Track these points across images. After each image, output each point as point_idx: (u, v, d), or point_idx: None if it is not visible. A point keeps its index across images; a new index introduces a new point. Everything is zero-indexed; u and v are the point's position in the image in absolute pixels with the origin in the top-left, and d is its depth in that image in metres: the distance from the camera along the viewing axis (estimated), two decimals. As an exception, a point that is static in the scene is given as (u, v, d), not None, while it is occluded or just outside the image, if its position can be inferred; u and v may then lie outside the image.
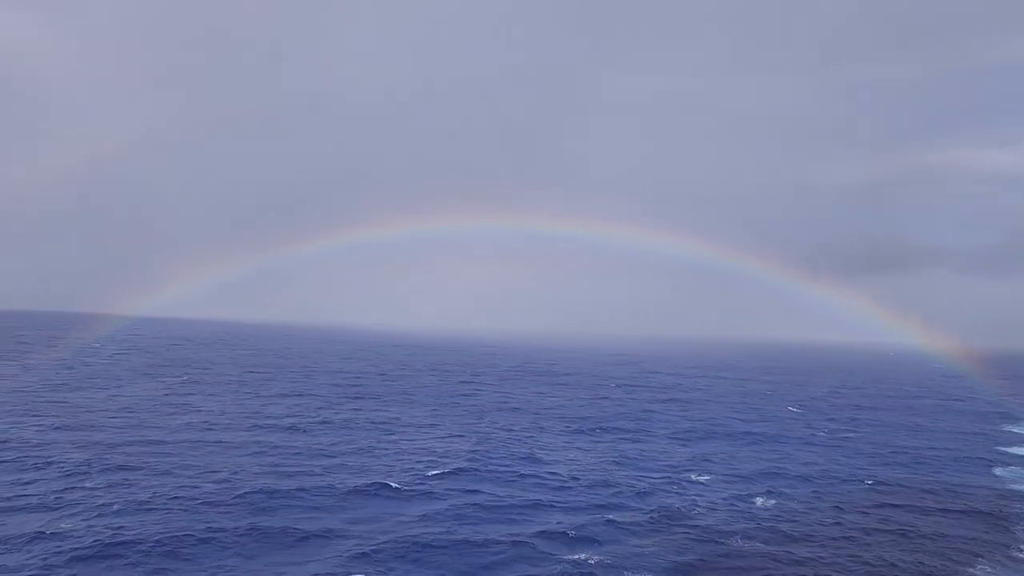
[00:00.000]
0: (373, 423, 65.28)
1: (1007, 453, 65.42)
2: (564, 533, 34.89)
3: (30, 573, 26.68)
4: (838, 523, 39.20)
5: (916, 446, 66.59)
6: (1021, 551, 35.50)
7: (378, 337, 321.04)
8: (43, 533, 30.50)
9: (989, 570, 32.55)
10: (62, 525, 31.37)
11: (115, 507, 34.61)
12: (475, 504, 39.16)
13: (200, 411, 67.21)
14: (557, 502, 40.81)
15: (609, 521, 37.27)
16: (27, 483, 38.34)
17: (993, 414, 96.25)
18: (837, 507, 42.72)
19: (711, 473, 50.49)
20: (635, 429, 69.23)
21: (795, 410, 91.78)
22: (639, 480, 47.26)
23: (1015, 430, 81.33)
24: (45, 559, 27.99)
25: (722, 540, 34.95)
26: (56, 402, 68.08)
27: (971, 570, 32.47)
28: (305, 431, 59.09)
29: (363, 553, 30.83)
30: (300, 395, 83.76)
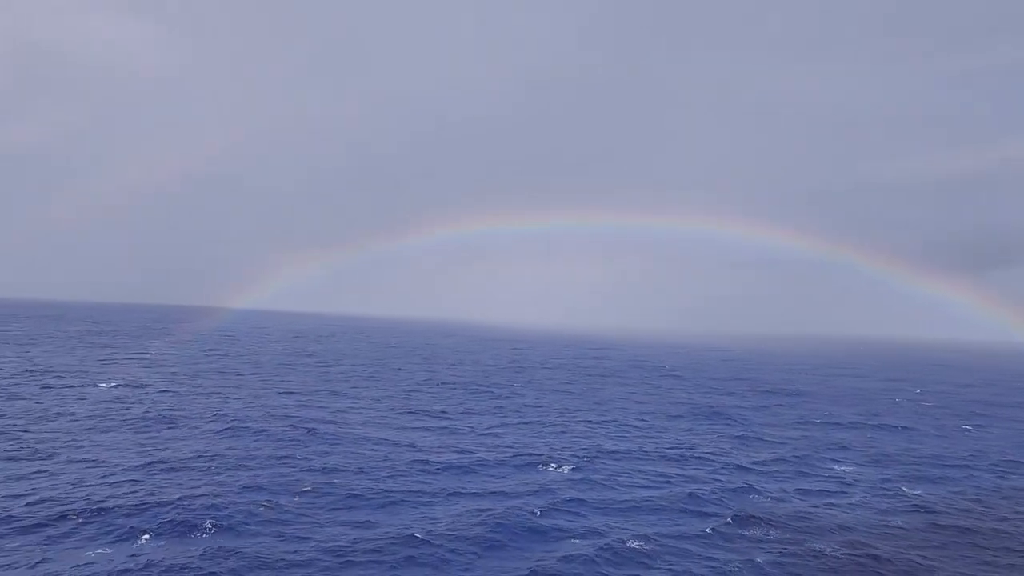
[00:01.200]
0: (516, 411, 70.47)
1: None
2: (728, 507, 38.64)
3: (296, 514, 32.59)
4: (990, 504, 41.42)
5: (1054, 442, 66.58)
6: None
7: (484, 332, 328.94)
8: (290, 489, 36.65)
9: None
10: (305, 488, 37.43)
11: (347, 472, 40.59)
12: (643, 484, 43.39)
13: (356, 398, 73.96)
14: (711, 479, 44.55)
15: (770, 498, 40.77)
16: (255, 448, 45.10)
17: None
18: (986, 490, 44.77)
19: (849, 461, 52.99)
20: (761, 420, 71.86)
21: (919, 405, 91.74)
22: (781, 464, 50.38)
23: None
24: (301, 509, 33.92)
25: (879, 517, 37.96)
26: (233, 385, 76.38)
27: None
28: (455, 418, 64.75)
29: (565, 501, 35.71)
30: (440, 384, 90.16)
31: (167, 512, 30.87)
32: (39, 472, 37.28)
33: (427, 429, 57.40)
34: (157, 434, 48.68)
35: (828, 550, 32.14)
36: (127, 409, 57.49)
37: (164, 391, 69.33)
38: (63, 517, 30.23)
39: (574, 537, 32.08)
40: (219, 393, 69.60)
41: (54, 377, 75.34)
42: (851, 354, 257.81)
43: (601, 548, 30.46)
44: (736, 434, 62.44)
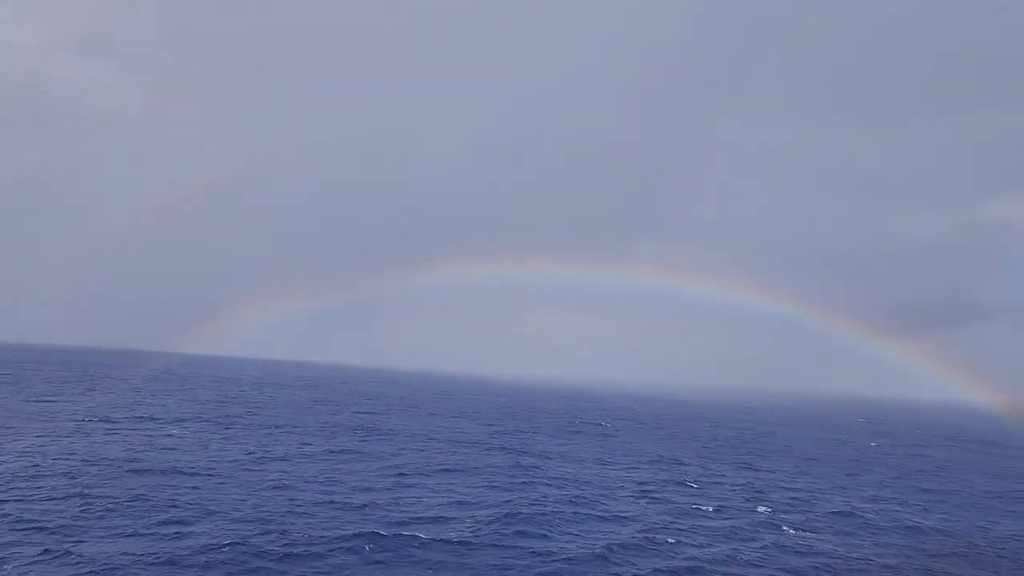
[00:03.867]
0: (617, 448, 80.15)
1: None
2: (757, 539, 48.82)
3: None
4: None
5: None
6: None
7: (476, 384, 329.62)
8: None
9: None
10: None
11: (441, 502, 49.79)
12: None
13: (447, 443, 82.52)
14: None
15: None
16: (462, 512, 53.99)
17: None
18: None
19: (875, 505, 63.75)
20: (790, 468, 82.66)
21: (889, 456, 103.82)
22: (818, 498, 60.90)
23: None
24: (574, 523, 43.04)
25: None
26: (306, 433, 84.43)
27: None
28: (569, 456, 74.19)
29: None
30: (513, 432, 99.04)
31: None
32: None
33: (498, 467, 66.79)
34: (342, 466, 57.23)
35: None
36: (230, 451, 65.57)
37: (226, 438, 74.35)
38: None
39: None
40: (301, 441, 77.71)
41: (135, 420, 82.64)
42: (835, 409, 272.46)
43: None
44: (756, 482, 72.97)
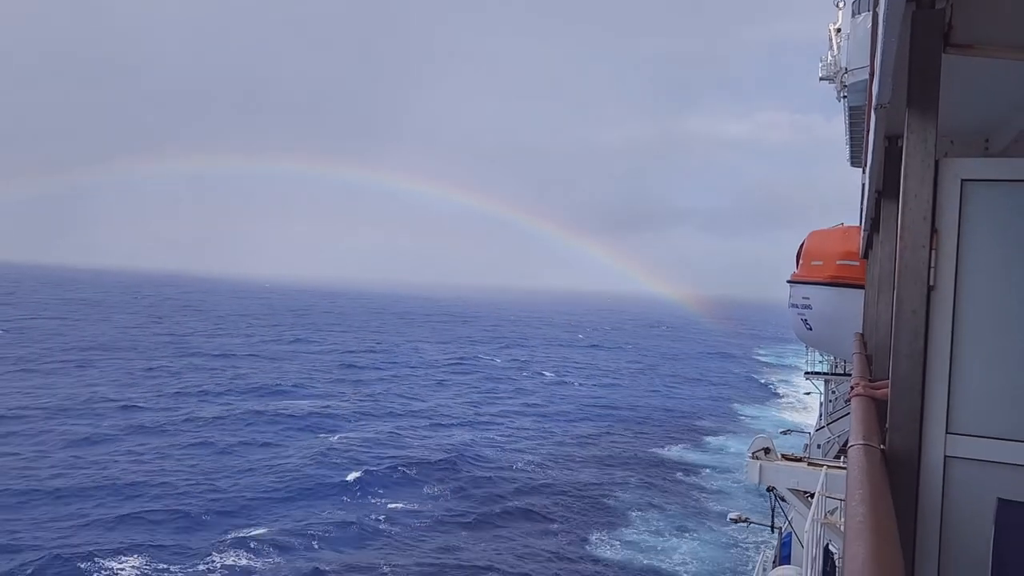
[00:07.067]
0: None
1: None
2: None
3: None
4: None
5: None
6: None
7: (204, 284, 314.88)
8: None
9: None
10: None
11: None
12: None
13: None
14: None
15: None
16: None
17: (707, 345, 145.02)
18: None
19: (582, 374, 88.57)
20: (511, 343, 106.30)
21: (582, 335, 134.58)
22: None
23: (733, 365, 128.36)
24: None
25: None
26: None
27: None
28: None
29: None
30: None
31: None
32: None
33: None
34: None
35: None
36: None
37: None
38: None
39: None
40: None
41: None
42: (535, 303, 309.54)
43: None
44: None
